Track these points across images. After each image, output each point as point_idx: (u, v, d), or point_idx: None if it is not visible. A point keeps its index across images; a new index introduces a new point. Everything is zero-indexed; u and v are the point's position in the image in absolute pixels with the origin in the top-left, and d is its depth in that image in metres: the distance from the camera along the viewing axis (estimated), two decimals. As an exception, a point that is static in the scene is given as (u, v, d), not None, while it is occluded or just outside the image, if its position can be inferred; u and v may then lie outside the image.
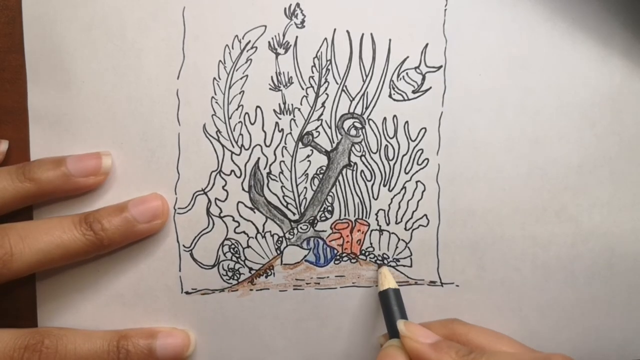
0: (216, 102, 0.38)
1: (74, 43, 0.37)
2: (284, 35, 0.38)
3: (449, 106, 0.39)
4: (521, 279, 0.40)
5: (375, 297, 0.39)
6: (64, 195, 0.37)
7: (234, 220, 0.39)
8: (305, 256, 0.39)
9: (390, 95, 0.38)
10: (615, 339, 0.41)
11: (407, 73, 0.38)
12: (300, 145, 0.38)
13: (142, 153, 0.38)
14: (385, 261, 0.39)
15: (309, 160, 0.39)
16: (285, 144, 0.38)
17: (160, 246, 0.38)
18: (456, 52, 0.38)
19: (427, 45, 0.38)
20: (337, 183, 0.39)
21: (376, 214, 0.39)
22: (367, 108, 0.38)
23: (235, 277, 0.39)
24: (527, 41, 0.39)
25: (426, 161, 0.39)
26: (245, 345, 0.39)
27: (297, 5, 0.38)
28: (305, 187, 0.39)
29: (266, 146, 0.38)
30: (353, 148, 0.39)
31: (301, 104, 0.38)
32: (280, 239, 0.39)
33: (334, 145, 0.39)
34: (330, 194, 0.39)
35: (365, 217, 0.39)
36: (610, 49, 0.39)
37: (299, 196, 0.39)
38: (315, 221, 0.39)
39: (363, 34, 0.38)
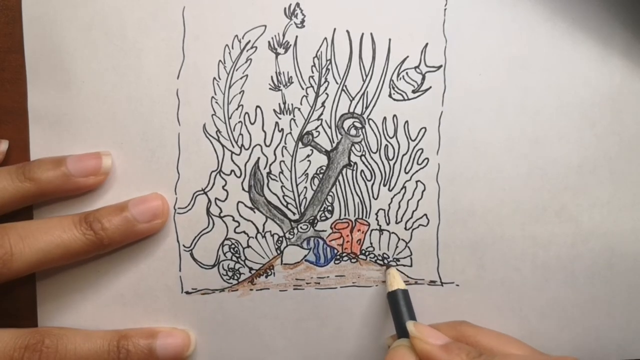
0: (216, 102, 0.38)
1: (74, 43, 0.37)
2: (283, 35, 0.38)
3: (449, 106, 0.39)
4: (521, 279, 0.40)
5: (375, 296, 0.39)
6: (64, 195, 0.37)
7: (234, 220, 0.39)
8: (306, 256, 0.39)
9: (390, 95, 0.38)
10: (615, 339, 0.41)
11: (407, 73, 0.38)
12: (300, 145, 0.38)
13: (142, 153, 0.38)
14: (386, 261, 0.39)
15: (309, 160, 0.39)
16: (285, 143, 0.38)
17: (160, 246, 0.38)
18: (456, 52, 0.38)
19: (427, 45, 0.38)
20: (337, 183, 0.39)
21: (376, 214, 0.39)
22: (367, 108, 0.38)
23: (236, 277, 0.39)
24: (527, 41, 0.39)
25: (426, 161, 0.39)
26: (245, 345, 0.39)
27: (297, 5, 0.38)
28: (305, 187, 0.39)
29: (266, 146, 0.38)
30: (353, 148, 0.39)
31: (301, 103, 0.38)
32: (281, 238, 0.39)
33: (334, 145, 0.39)
34: (330, 193, 0.39)
35: (365, 217, 0.39)
36: (610, 49, 0.39)
37: (299, 196, 0.39)
38: (315, 221, 0.39)
39: (363, 34, 0.38)
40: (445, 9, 0.38)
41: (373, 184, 0.39)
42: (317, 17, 0.38)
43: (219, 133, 0.38)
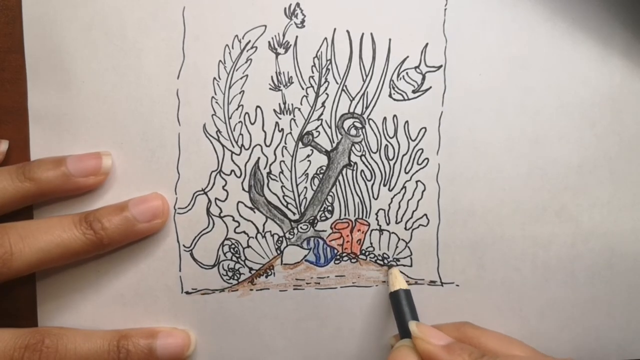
0: (216, 102, 0.38)
1: (74, 43, 0.37)
2: (284, 35, 0.38)
3: (449, 106, 0.39)
4: (521, 279, 0.40)
5: (375, 296, 0.39)
6: (64, 195, 0.37)
7: (234, 220, 0.39)
8: (306, 256, 0.39)
9: (390, 95, 0.38)
10: (615, 339, 0.41)
11: (407, 73, 0.38)
12: (300, 145, 0.38)
13: (142, 153, 0.38)
14: (386, 261, 0.39)
15: (309, 160, 0.39)
16: (286, 143, 0.38)
17: (160, 246, 0.38)
18: (456, 52, 0.38)
19: (427, 45, 0.38)
20: (337, 183, 0.39)
21: (376, 214, 0.39)
22: (367, 108, 0.38)
23: (236, 277, 0.39)
24: (527, 41, 0.39)
25: (426, 161, 0.39)
26: (245, 345, 0.39)
27: (297, 5, 0.38)
28: (306, 187, 0.39)
29: (266, 146, 0.38)
30: (353, 148, 0.39)
31: (301, 103, 0.38)
32: (281, 238, 0.39)
33: (334, 145, 0.39)
34: (331, 193, 0.39)
35: (366, 217, 0.39)
36: (610, 49, 0.39)
37: (299, 196, 0.39)
38: (316, 221, 0.39)
39: (363, 34, 0.38)
40: (445, 9, 0.38)
41: (373, 184, 0.39)
42: (317, 17, 0.38)
43: (219, 133, 0.38)
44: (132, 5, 0.37)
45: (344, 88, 0.38)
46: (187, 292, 0.39)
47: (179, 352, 0.37)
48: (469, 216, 0.39)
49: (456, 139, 0.39)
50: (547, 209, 0.40)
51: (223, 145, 0.38)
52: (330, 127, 0.39)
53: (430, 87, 0.39)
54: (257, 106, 0.38)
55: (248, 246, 0.39)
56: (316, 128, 0.38)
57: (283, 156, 0.38)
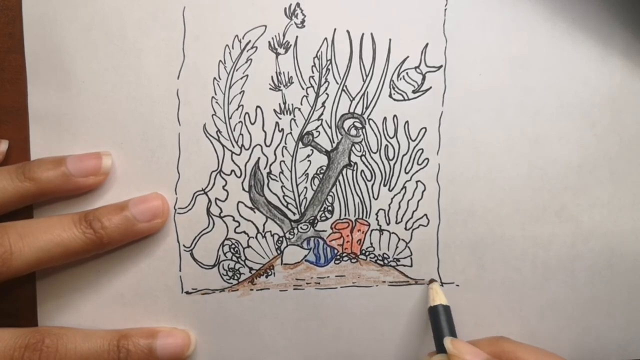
0: (216, 102, 0.38)
1: (74, 43, 0.37)
2: (284, 35, 0.38)
3: (449, 106, 0.39)
4: (521, 279, 0.40)
5: (375, 296, 0.39)
6: (64, 195, 0.37)
7: (234, 220, 0.39)
8: (306, 256, 0.39)
9: (390, 95, 0.38)
10: (615, 339, 0.41)
11: (407, 73, 0.38)
12: (300, 145, 0.38)
13: (142, 153, 0.38)
14: (386, 261, 0.39)
15: (309, 160, 0.39)
16: (286, 143, 0.38)
17: (160, 246, 0.38)
18: (456, 52, 0.38)
19: (427, 45, 0.38)
20: (337, 183, 0.39)
21: (376, 214, 0.39)
22: (367, 108, 0.38)
23: (236, 277, 0.39)
24: (527, 41, 0.39)
25: (426, 161, 0.39)
26: (245, 345, 0.39)
27: (297, 5, 0.38)
28: (306, 187, 0.39)
29: (266, 146, 0.38)
30: (353, 148, 0.39)
31: (301, 103, 0.38)
32: (281, 238, 0.39)
33: (334, 145, 0.39)
34: (331, 193, 0.39)
35: (366, 217, 0.39)
36: (610, 49, 0.39)
37: (299, 196, 0.39)
38: (316, 221, 0.39)
39: (363, 34, 0.38)
40: (445, 9, 0.38)
41: (373, 184, 0.39)
42: (318, 17, 0.38)
43: (219, 133, 0.38)
44: (132, 5, 0.37)
45: (344, 88, 0.38)
46: (187, 292, 0.39)
47: (179, 352, 0.37)
48: (469, 216, 0.39)
49: (456, 139, 0.39)
50: (547, 209, 0.40)
51: (223, 145, 0.38)
52: (330, 127, 0.39)
53: (431, 87, 0.39)
54: (257, 106, 0.38)
55: (248, 246, 0.39)
56: (316, 128, 0.38)
57: (283, 156, 0.38)
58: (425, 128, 0.39)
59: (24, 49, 0.37)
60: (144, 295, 0.38)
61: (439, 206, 0.39)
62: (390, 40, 0.38)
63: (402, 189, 0.39)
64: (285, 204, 0.39)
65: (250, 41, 0.38)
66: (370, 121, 0.39)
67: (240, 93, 0.38)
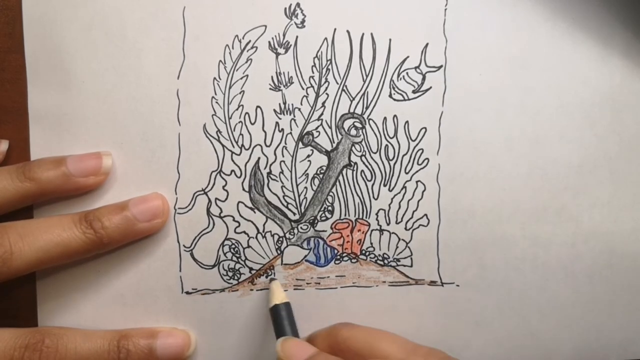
0: (216, 102, 0.38)
1: (74, 43, 0.37)
2: (284, 35, 0.38)
3: (449, 106, 0.39)
4: (521, 279, 0.40)
5: (375, 296, 0.39)
6: (64, 195, 0.37)
7: (234, 220, 0.39)
8: (306, 256, 0.39)
9: (390, 95, 0.38)
10: (615, 339, 0.41)
11: (407, 73, 0.38)
12: (300, 145, 0.38)
13: (142, 153, 0.38)
14: (386, 261, 0.39)
15: (309, 160, 0.39)
16: (286, 143, 0.38)
17: (160, 246, 0.38)
18: (456, 52, 0.38)
19: (427, 45, 0.38)
20: (338, 183, 0.39)
21: (376, 214, 0.39)
22: (367, 108, 0.38)
23: (236, 277, 0.39)
24: (527, 41, 0.39)
25: (426, 161, 0.39)
26: (245, 345, 0.39)
27: (297, 5, 0.38)
28: (306, 187, 0.39)
29: (266, 146, 0.38)
30: (353, 148, 0.39)
31: (301, 103, 0.38)
32: (281, 239, 0.39)
33: (334, 145, 0.39)
34: (331, 193, 0.39)
35: (366, 217, 0.39)
36: (610, 49, 0.39)
37: (299, 196, 0.39)
38: (316, 221, 0.39)
39: (363, 34, 0.38)
40: (445, 9, 0.38)
41: (373, 184, 0.39)
42: (318, 17, 0.38)
43: (219, 133, 0.38)
44: (132, 5, 0.37)
45: (344, 88, 0.38)
46: (187, 292, 0.39)
47: (179, 352, 0.37)
48: (469, 216, 0.39)
49: (456, 139, 0.39)
50: (547, 209, 0.40)
51: (223, 145, 0.38)
52: (330, 127, 0.39)
53: (431, 87, 0.39)
54: (257, 106, 0.38)
55: (248, 246, 0.39)
56: (316, 128, 0.38)
57: (283, 156, 0.38)
58: (425, 128, 0.39)
59: (24, 49, 0.37)
60: (144, 296, 0.38)
61: (439, 206, 0.39)
62: (390, 40, 0.38)
63: (402, 189, 0.39)
64: (285, 204, 0.39)
65: (250, 41, 0.38)
66: (370, 121, 0.39)
67: (240, 93, 0.38)
